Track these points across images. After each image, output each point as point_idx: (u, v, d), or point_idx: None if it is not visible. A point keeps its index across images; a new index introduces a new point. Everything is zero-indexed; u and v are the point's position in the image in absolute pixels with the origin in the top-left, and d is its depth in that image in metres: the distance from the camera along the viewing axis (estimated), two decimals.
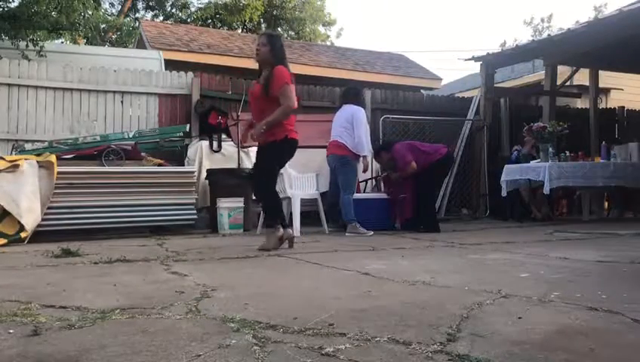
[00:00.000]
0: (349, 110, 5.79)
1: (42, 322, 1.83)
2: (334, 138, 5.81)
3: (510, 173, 7.17)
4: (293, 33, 20.13)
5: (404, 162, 5.87)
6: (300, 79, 9.40)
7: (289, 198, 5.58)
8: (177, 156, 6.60)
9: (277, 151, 4.10)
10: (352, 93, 6.10)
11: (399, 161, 5.95)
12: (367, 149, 5.79)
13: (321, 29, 21.74)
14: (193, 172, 6.05)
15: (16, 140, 6.29)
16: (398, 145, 6.06)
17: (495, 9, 57.09)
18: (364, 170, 5.90)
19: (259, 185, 4.24)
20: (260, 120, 4.04)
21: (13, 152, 5.87)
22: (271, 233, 4.08)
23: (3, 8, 7.86)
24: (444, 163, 6.10)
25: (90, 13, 8.31)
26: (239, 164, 6.32)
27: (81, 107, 6.80)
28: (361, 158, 5.80)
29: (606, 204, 8.23)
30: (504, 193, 7.16)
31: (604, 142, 7.70)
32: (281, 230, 4.07)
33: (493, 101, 8.59)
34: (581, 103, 10.63)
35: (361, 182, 6.70)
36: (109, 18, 15.10)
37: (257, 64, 4.20)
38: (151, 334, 1.68)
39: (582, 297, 2.21)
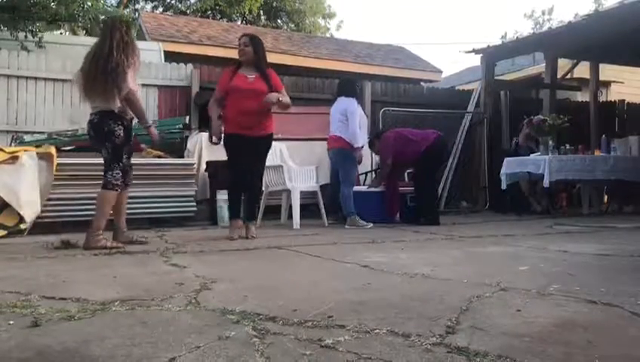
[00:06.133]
0: (343, 103, 5.77)
1: (42, 313, 1.83)
2: (333, 132, 5.80)
3: (510, 165, 7.15)
4: (293, 25, 20.06)
5: (383, 156, 5.90)
6: (301, 71, 9.42)
7: (289, 191, 5.59)
8: (177, 148, 6.58)
9: (270, 146, 4.57)
10: (345, 85, 6.06)
11: (381, 153, 5.94)
12: (361, 141, 5.74)
13: (320, 21, 21.66)
14: (193, 164, 6.04)
15: (16, 132, 6.27)
16: (385, 134, 5.99)
17: (496, 1, 56.87)
18: (359, 162, 5.87)
19: (260, 180, 4.63)
20: (255, 114, 4.35)
21: (13, 144, 5.85)
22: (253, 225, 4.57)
23: None
24: (435, 149, 5.81)
25: (89, 4, 8.22)
26: None
27: (81, 98, 6.76)
28: (356, 150, 5.79)
29: (605, 197, 8.22)
30: (504, 186, 7.14)
31: (604, 136, 7.68)
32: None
33: (494, 94, 8.57)
34: (581, 96, 10.59)
35: (360, 174, 6.69)
36: (109, 9, 14.99)
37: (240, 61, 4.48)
38: (150, 326, 1.69)
39: (581, 290, 2.21)
